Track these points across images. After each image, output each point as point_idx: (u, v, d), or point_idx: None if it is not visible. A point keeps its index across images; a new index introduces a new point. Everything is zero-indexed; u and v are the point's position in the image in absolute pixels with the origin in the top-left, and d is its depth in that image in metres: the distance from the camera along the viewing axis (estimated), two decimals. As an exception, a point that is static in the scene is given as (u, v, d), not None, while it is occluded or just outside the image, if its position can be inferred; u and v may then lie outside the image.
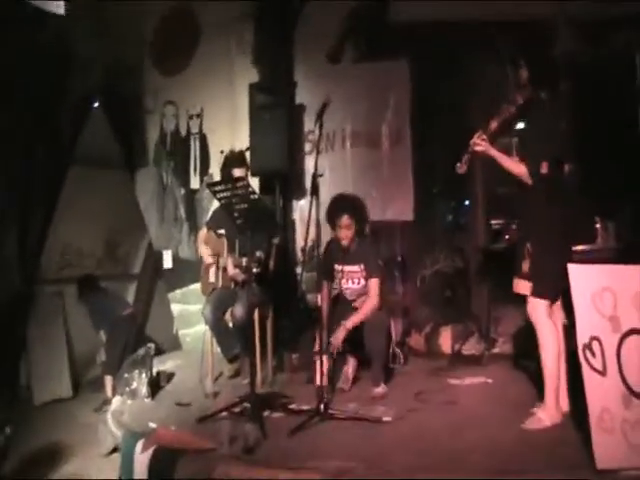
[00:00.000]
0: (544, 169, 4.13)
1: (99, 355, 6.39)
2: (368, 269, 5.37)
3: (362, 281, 5.40)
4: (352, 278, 5.41)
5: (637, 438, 3.16)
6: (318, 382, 4.92)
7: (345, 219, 5.27)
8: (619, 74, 5.97)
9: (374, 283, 5.33)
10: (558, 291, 4.09)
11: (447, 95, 6.86)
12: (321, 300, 5.20)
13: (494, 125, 4.35)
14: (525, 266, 4.15)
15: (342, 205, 5.35)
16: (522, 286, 4.17)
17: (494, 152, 4.30)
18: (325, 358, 4.97)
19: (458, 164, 4.39)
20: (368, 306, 5.25)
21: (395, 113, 7.13)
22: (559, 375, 4.09)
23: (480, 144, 4.30)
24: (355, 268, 5.40)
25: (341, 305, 5.42)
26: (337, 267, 5.40)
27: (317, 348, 5.01)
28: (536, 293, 4.10)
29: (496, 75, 6.19)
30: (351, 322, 5.14)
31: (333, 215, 5.31)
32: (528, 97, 4.23)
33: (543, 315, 4.10)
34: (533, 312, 4.14)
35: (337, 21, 7.22)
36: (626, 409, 3.21)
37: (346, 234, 5.29)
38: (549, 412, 4.07)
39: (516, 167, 4.24)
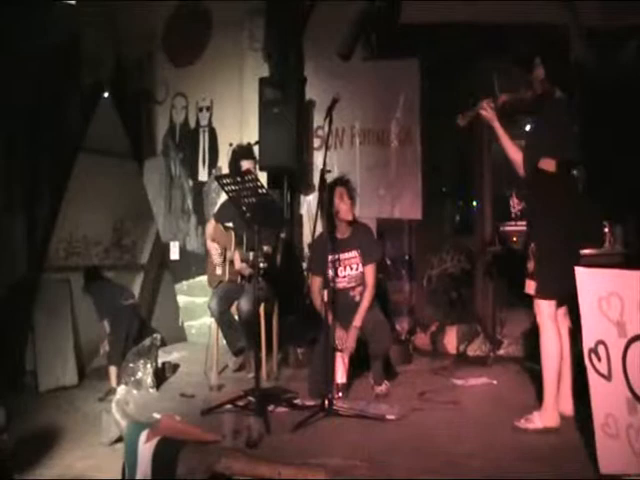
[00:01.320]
0: (552, 167, 4.12)
1: (103, 345, 6.41)
2: (364, 254, 5.35)
3: (360, 267, 5.37)
4: (349, 264, 5.38)
5: (641, 444, 3.16)
6: (338, 379, 5.04)
7: (339, 188, 5.30)
8: (630, 82, 5.97)
9: (370, 269, 5.33)
10: (563, 293, 4.05)
11: (457, 95, 6.85)
12: (317, 296, 5.26)
13: (503, 98, 4.35)
14: (530, 266, 4.17)
15: (334, 181, 5.39)
16: (529, 286, 4.18)
17: (497, 124, 4.30)
18: (340, 355, 5.07)
19: (460, 115, 4.42)
20: (368, 297, 5.24)
21: (404, 112, 7.11)
22: (558, 379, 4.09)
23: (487, 110, 4.30)
24: (352, 254, 5.37)
25: (340, 298, 5.33)
26: (332, 257, 5.31)
27: (337, 345, 5.07)
28: (540, 293, 4.11)
29: (507, 76, 6.20)
30: (359, 320, 5.14)
31: (329, 192, 5.27)
32: (545, 91, 4.22)
33: (547, 317, 4.11)
34: (538, 313, 4.15)
35: (348, 19, 7.21)
36: (631, 415, 3.21)
37: (344, 207, 5.29)
38: (545, 414, 4.08)
39: (513, 152, 4.25)
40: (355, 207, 5.41)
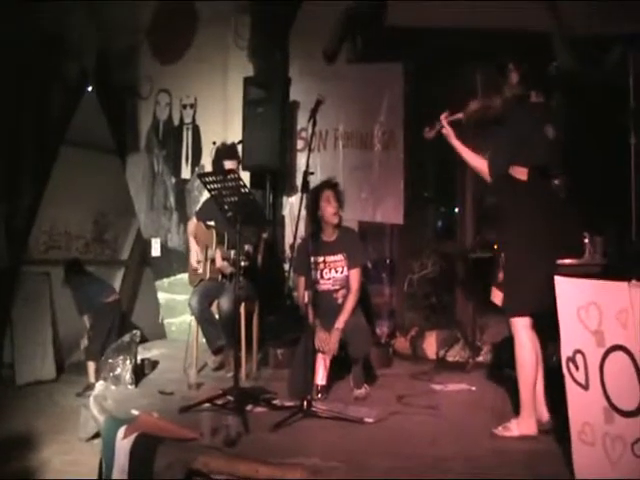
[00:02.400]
0: (523, 176, 4.04)
1: (83, 340, 6.40)
2: (350, 258, 5.38)
3: (345, 270, 5.40)
4: (335, 267, 5.40)
5: (617, 453, 3.19)
6: (318, 381, 5.07)
7: (326, 191, 5.33)
8: (612, 92, 6.02)
9: (355, 274, 5.36)
10: (532, 307, 4.03)
11: (441, 100, 6.87)
12: (302, 297, 5.23)
13: (474, 106, 4.29)
14: (501, 276, 4.17)
15: (321, 184, 5.45)
16: (497, 296, 4.19)
17: (454, 141, 4.28)
18: (321, 357, 5.09)
19: (426, 128, 4.41)
20: (352, 301, 5.27)
21: (388, 115, 7.15)
22: (534, 387, 4.11)
23: (446, 128, 4.29)
24: (338, 257, 5.40)
25: (323, 300, 5.36)
26: (317, 259, 5.35)
27: (319, 346, 5.07)
28: (506, 306, 4.11)
29: (491, 81, 6.24)
30: (341, 323, 5.15)
31: (316, 194, 5.31)
32: (516, 95, 4.15)
33: (521, 327, 4.08)
34: (512, 323, 4.12)
35: (334, 20, 7.23)
36: (607, 423, 3.24)
37: (331, 211, 5.31)
38: (522, 422, 4.08)
39: (476, 161, 4.21)
40: (342, 211, 5.43)
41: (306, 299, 4.99)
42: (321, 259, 5.38)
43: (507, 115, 4.16)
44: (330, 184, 5.43)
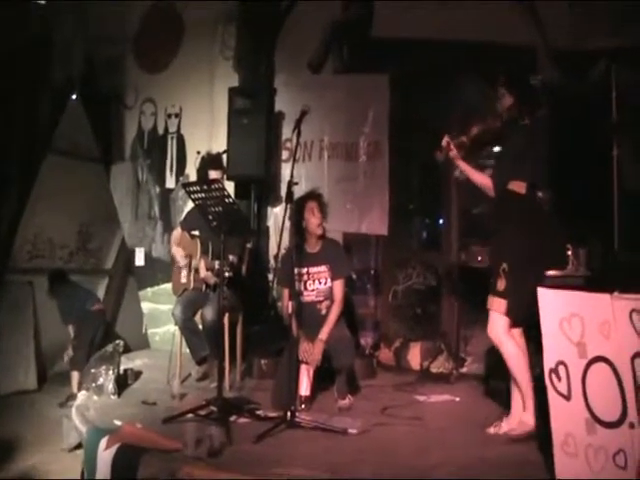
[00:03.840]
0: (522, 190, 4.25)
1: (67, 351, 6.36)
2: (334, 269, 5.39)
3: (329, 281, 5.40)
4: (318, 279, 5.40)
5: (599, 464, 3.20)
6: (302, 391, 5.07)
7: (310, 202, 5.34)
8: (595, 106, 6.07)
9: (339, 285, 5.37)
10: (530, 312, 4.14)
11: (427, 112, 6.90)
12: (287, 308, 5.22)
13: (475, 131, 4.48)
14: (501, 285, 4.22)
15: (306, 195, 5.45)
16: (497, 304, 4.24)
17: (461, 163, 4.50)
18: (304, 367, 5.08)
19: (437, 152, 4.55)
20: (336, 312, 5.27)
21: (374, 127, 7.15)
22: (530, 384, 4.19)
23: (452, 150, 4.46)
24: (321, 269, 5.40)
25: (307, 311, 5.37)
26: (301, 270, 5.35)
27: (302, 357, 5.07)
28: (510, 312, 4.19)
29: (476, 95, 6.29)
30: (325, 334, 5.15)
31: (300, 205, 5.32)
32: (512, 118, 4.35)
33: (503, 333, 4.21)
34: (492, 330, 4.26)
35: (321, 32, 7.25)
36: (589, 434, 3.26)
37: (315, 222, 5.32)
38: (525, 419, 4.18)
39: (482, 178, 4.43)
40: (326, 222, 5.44)
41: (290, 310, 5.00)
42: (305, 270, 5.38)
43: (505, 136, 4.39)
44: (314, 195, 5.44)
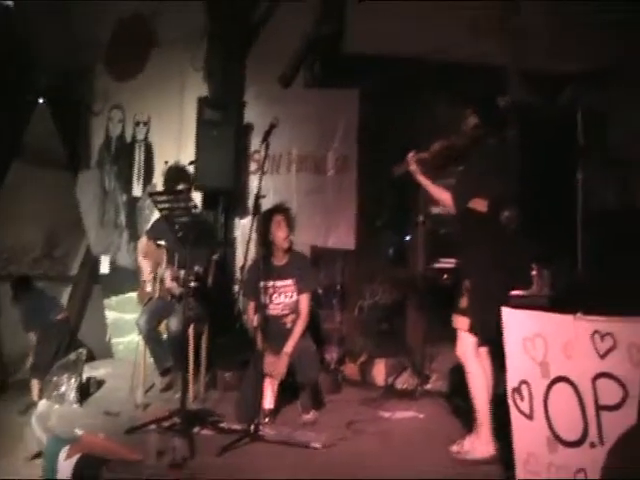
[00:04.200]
0: (483, 207, 4.25)
1: (29, 358, 6.29)
2: (300, 283, 5.40)
3: (295, 295, 5.41)
4: (284, 292, 5.41)
5: (561, 483, 3.26)
6: (266, 405, 5.02)
7: (277, 216, 5.34)
8: (562, 127, 6.15)
9: (305, 299, 5.38)
10: (494, 330, 4.18)
11: (396, 128, 6.95)
12: (252, 321, 5.27)
13: (437, 147, 4.48)
14: (463, 302, 4.26)
15: (273, 208, 5.45)
16: (460, 322, 4.27)
17: (421, 178, 4.47)
18: (269, 381, 5.06)
19: (395, 166, 4.59)
20: (301, 325, 5.28)
21: (343, 141, 7.18)
22: (489, 408, 4.19)
23: (412, 165, 4.46)
24: (287, 282, 5.40)
25: (273, 325, 5.34)
26: (267, 284, 5.32)
27: (267, 370, 5.04)
28: (473, 330, 4.21)
29: (446, 112, 6.34)
30: (290, 347, 5.15)
31: (267, 218, 5.32)
32: (476, 137, 4.37)
33: (470, 353, 4.23)
34: (461, 350, 4.27)
35: (291, 46, 7.27)
36: (551, 454, 3.30)
37: (282, 236, 5.32)
38: (477, 444, 4.17)
39: (441, 194, 4.38)
40: (293, 235, 5.45)
41: (255, 323, 5.00)
42: (271, 284, 5.37)
43: (469, 153, 4.37)
44: (282, 209, 5.45)
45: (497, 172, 4.34)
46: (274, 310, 5.38)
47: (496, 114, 4.55)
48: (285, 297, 5.40)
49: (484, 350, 4.33)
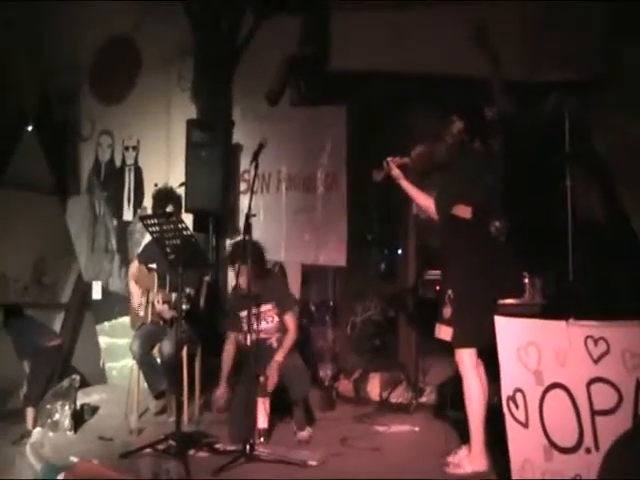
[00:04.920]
0: (467, 214, 4.23)
1: (23, 387, 6.23)
2: (279, 305, 5.38)
3: (276, 318, 5.41)
4: (265, 318, 5.39)
5: (557, 490, 3.25)
6: (259, 424, 4.94)
7: (237, 267, 5.24)
8: (549, 137, 6.18)
9: (290, 317, 5.38)
10: (482, 340, 4.14)
11: (384, 144, 6.96)
12: (229, 352, 5.39)
13: (419, 150, 4.46)
14: (447, 312, 4.24)
15: (234, 254, 5.35)
16: (444, 332, 4.25)
17: (404, 183, 4.46)
18: (261, 400, 4.99)
19: (375, 170, 4.54)
20: (291, 337, 5.28)
21: (331, 158, 7.15)
22: (484, 424, 4.17)
23: (394, 170, 4.43)
24: (267, 307, 5.39)
25: (260, 348, 5.25)
26: (245, 313, 5.25)
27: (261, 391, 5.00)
28: (457, 340, 4.19)
29: (432, 125, 6.36)
30: (280, 356, 5.16)
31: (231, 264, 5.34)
32: (458, 142, 4.36)
33: (469, 365, 4.19)
34: (460, 362, 4.23)
35: (278, 64, 7.30)
36: (547, 461, 3.29)
37: (243, 280, 5.19)
38: (473, 459, 4.15)
39: (424, 200, 4.40)
40: (265, 258, 5.51)
41: (247, 341, 4.99)
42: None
43: (452, 159, 4.35)
44: (235, 254, 5.30)
45: (479, 179, 4.32)
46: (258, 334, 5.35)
47: (480, 121, 4.52)
48: (267, 322, 5.40)
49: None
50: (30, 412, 5.90)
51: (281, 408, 5.28)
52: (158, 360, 5.87)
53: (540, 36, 6.16)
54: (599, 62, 5.90)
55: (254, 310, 5.24)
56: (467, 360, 4.19)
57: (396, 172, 4.45)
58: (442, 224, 4.36)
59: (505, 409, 3.48)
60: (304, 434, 5.15)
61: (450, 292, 4.22)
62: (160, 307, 5.80)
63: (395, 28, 6.65)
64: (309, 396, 5.56)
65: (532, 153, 6.20)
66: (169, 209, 5.99)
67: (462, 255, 4.24)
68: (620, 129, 5.86)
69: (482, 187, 4.30)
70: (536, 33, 6.18)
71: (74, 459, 4.40)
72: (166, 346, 5.68)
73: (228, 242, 5.49)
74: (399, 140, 6.80)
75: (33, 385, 6.06)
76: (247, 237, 4.85)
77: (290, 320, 5.37)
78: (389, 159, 4.48)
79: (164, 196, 6.28)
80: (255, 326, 5.27)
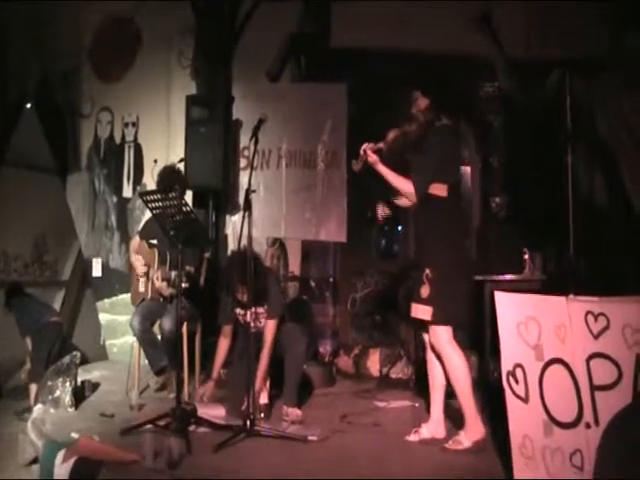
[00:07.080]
0: (443, 192, 4.23)
1: (26, 363, 6.26)
2: (268, 309, 5.25)
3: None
4: (258, 319, 5.28)
5: (556, 465, 3.25)
6: (260, 400, 4.97)
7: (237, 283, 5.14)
8: (550, 114, 6.15)
9: (271, 325, 5.20)
10: (460, 317, 4.23)
11: (384, 121, 6.93)
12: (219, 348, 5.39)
13: (391, 136, 4.43)
14: (424, 291, 4.23)
15: (234, 269, 5.13)
16: (422, 311, 4.25)
17: (381, 167, 4.38)
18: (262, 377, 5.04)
19: (354, 161, 4.52)
20: (266, 356, 5.12)
21: (332, 135, 7.12)
22: (472, 395, 4.20)
23: (371, 156, 4.38)
24: (260, 310, 5.27)
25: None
26: (241, 311, 5.27)
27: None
28: (437, 319, 4.20)
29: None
30: (261, 371, 5.08)
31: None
32: (428, 120, 4.32)
33: (447, 342, 4.22)
34: (438, 339, 4.24)
35: (278, 42, 7.26)
36: (546, 436, 3.30)
37: (242, 292, 5.12)
38: (469, 430, 4.17)
39: (403, 184, 4.31)
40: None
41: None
42: (244, 311, 5.26)
43: (423, 138, 4.30)
44: (235, 266, 5.13)
45: (454, 155, 4.39)
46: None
47: (446, 95, 4.52)
48: (260, 323, 5.25)
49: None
50: (33, 388, 5.93)
51: (282, 384, 5.27)
52: (158, 337, 5.88)
53: (544, 15, 6.12)
54: (602, 42, 5.87)
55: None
56: (445, 335, 4.22)
57: (373, 158, 4.37)
58: (419, 204, 4.30)
59: (505, 384, 3.48)
60: (294, 412, 5.04)
61: (428, 271, 4.21)
62: (159, 284, 5.80)
63: (396, 6, 6.60)
64: (309, 372, 5.57)
65: (535, 129, 6.18)
66: (171, 184, 5.95)
67: (439, 234, 4.24)
68: (621, 109, 5.84)
69: (456, 163, 4.37)
70: (540, 12, 6.14)
71: (75, 435, 4.40)
72: (166, 322, 5.69)
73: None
74: (400, 118, 6.81)
75: (35, 362, 6.09)
76: (247, 214, 4.80)
77: (269, 329, 5.19)
78: (364, 146, 4.43)
79: (169, 175, 6.24)
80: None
